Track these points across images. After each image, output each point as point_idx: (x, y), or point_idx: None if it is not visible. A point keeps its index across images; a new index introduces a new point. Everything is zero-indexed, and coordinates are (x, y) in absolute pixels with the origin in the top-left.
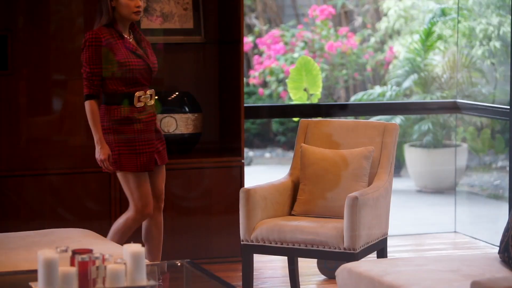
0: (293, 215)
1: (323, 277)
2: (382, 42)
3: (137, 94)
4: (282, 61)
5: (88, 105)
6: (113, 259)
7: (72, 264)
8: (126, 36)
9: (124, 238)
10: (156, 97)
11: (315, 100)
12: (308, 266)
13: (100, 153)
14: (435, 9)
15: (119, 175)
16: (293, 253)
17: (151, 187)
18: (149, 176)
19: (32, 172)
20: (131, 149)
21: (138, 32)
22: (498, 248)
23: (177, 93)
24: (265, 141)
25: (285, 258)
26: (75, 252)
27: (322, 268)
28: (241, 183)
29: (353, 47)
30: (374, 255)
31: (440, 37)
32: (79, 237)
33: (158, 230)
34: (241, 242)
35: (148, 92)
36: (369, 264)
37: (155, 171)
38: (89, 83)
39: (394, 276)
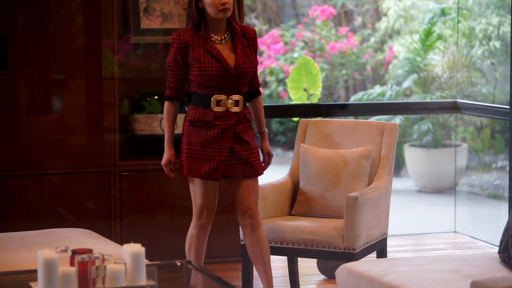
0: (293, 215)
1: (323, 277)
2: (382, 42)
3: (216, 97)
4: (282, 61)
5: (164, 106)
6: (113, 259)
7: (72, 264)
8: (217, 37)
9: (198, 251)
10: (156, 97)
11: (315, 100)
12: (308, 266)
13: (163, 157)
14: (435, 9)
15: (188, 177)
16: (293, 253)
17: (237, 202)
18: (235, 189)
19: (32, 172)
20: (199, 153)
21: (236, 33)
22: (498, 248)
23: None
24: None
25: (285, 258)
26: (75, 252)
27: (322, 268)
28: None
29: (353, 47)
30: (374, 255)
31: (440, 37)
32: (79, 237)
33: (259, 249)
34: (241, 242)
35: (233, 97)
36: (369, 264)
37: (239, 184)
38: (168, 84)
39: (393, 276)
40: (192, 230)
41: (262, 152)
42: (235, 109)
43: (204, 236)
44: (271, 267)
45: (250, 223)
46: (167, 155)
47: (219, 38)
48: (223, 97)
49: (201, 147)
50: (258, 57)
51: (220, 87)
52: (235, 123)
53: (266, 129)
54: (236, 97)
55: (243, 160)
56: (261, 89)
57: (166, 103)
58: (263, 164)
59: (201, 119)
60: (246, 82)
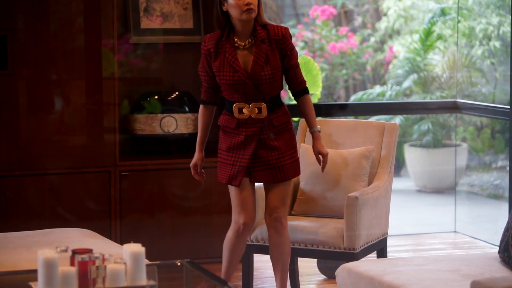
0: (293, 215)
1: (323, 277)
2: (382, 42)
3: (237, 105)
4: None
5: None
6: (113, 259)
7: (72, 264)
8: (242, 42)
9: (229, 253)
10: (156, 97)
11: (315, 100)
12: (308, 266)
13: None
14: (435, 8)
15: None
16: (293, 253)
17: (265, 203)
18: (265, 192)
19: (32, 172)
20: (226, 158)
21: (258, 38)
22: (498, 248)
23: (177, 93)
24: None
25: None
26: (75, 252)
27: (322, 268)
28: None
29: (353, 47)
30: (374, 255)
31: (440, 37)
32: (79, 237)
33: (279, 252)
34: None
35: (255, 105)
36: (369, 264)
37: (269, 187)
38: (201, 88)
39: (394, 276)
40: (228, 233)
41: (314, 152)
42: (258, 116)
43: (238, 243)
44: (288, 272)
45: (274, 225)
46: (194, 158)
47: (243, 43)
48: (245, 105)
49: (227, 152)
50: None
51: (241, 95)
52: (259, 130)
53: (317, 128)
54: (258, 104)
55: (271, 165)
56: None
57: (200, 107)
58: (321, 165)
59: (227, 125)
60: (270, 88)
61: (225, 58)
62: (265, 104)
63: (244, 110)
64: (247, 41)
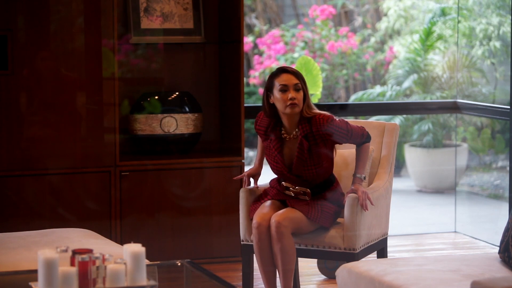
0: None
1: (323, 277)
2: (382, 42)
3: (283, 184)
4: (282, 61)
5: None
6: (113, 259)
7: (72, 264)
8: (287, 134)
9: (257, 260)
10: (156, 97)
11: (315, 100)
12: (308, 266)
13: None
14: (435, 8)
15: None
16: None
17: None
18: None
19: (32, 172)
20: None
21: (301, 134)
22: (498, 248)
23: (177, 93)
24: None
25: None
26: (75, 252)
27: (322, 268)
28: (241, 183)
29: (353, 47)
30: (374, 255)
31: (440, 37)
32: (79, 237)
33: (278, 259)
34: (241, 242)
35: (299, 188)
36: (369, 264)
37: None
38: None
39: (394, 276)
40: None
41: (347, 192)
42: (304, 197)
43: (259, 249)
44: (291, 275)
45: (273, 230)
46: (253, 169)
47: (290, 136)
48: (291, 185)
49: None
50: (258, 57)
51: (285, 178)
52: (301, 196)
53: (360, 176)
54: (303, 189)
55: (309, 202)
56: (260, 89)
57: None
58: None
59: (275, 186)
60: (315, 177)
61: (271, 143)
62: (309, 191)
63: (290, 189)
64: (293, 133)
